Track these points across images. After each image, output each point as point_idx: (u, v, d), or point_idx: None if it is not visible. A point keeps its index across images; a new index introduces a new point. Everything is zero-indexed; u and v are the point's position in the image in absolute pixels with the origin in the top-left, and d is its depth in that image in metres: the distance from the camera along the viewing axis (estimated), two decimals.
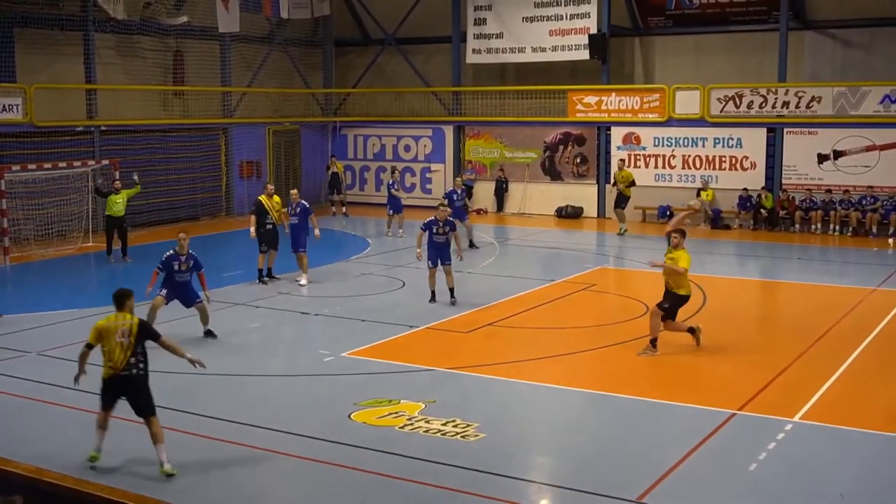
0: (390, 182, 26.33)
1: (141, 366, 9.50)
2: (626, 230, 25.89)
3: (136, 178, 22.72)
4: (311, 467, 9.47)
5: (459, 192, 23.45)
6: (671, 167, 28.41)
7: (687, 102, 27.98)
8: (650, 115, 28.58)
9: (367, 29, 34.78)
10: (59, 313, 16.26)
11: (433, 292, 17.06)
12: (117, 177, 23.07)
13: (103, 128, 26.28)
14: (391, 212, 25.38)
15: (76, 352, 13.63)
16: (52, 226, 23.52)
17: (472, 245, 22.91)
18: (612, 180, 27.63)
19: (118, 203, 21.32)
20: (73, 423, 10.73)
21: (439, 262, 16.98)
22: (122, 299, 9.69)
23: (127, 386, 9.49)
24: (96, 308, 16.70)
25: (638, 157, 28.76)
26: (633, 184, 26.46)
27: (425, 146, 32.61)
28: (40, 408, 11.34)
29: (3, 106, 23.31)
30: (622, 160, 27.95)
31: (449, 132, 32.14)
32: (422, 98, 33.17)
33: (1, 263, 21.00)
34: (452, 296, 16.91)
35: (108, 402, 9.60)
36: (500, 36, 31.02)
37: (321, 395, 11.93)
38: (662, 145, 28.51)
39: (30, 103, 24.08)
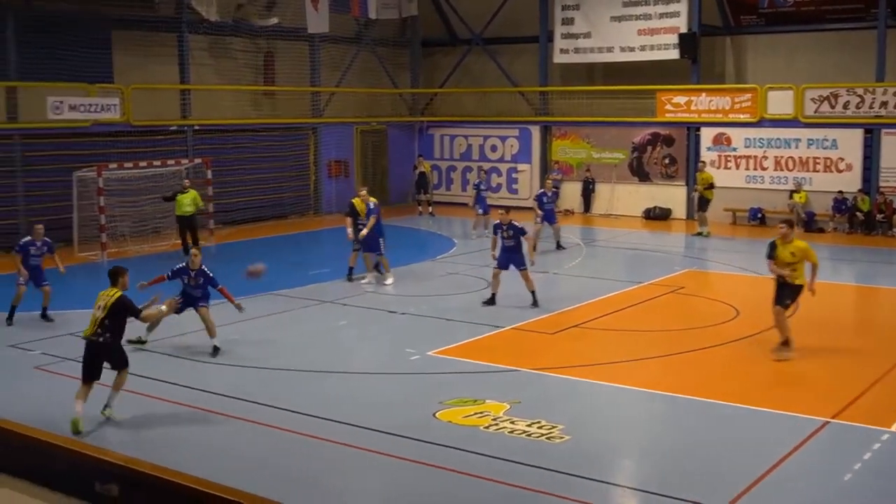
0: (477, 182, 26.36)
1: (107, 335, 10.46)
2: (708, 233, 25.40)
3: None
4: (396, 464, 9.51)
5: (549, 194, 23.23)
6: (763, 169, 27.83)
7: (780, 102, 27.36)
8: (741, 116, 28.03)
9: (454, 29, 34.85)
10: None
11: (493, 296, 16.74)
12: (185, 175, 23.48)
13: (196, 127, 26.88)
14: (480, 211, 25.31)
15: (166, 344, 14.03)
16: (146, 222, 24.10)
17: (558, 247, 22.78)
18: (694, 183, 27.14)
19: (187, 203, 21.71)
20: (165, 414, 10.98)
21: (511, 266, 16.70)
22: (114, 276, 10.70)
23: (97, 350, 10.56)
24: None
25: (728, 159, 28.24)
26: (712, 186, 25.85)
27: (512, 146, 32.54)
28: (134, 399, 11.59)
29: (102, 106, 23.95)
30: (702, 162, 27.42)
31: (536, 132, 32.01)
32: (508, 98, 33.11)
33: (99, 259, 21.59)
34: (534, 300, 16.58)
35: (85, 373, 10.53)
36: (587, 35, 30.77)
37: (407, 393, 11.98)
38: (754, 146, 27.94)
39: (127, 103, 24.73)
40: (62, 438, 7.61)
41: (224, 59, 28.69)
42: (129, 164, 23.09)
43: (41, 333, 14.75)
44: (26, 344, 14.09)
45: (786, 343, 13.36)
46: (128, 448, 9.56)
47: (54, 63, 23.49)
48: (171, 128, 26.32)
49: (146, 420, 10.90)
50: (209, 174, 24.13)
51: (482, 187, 25.74)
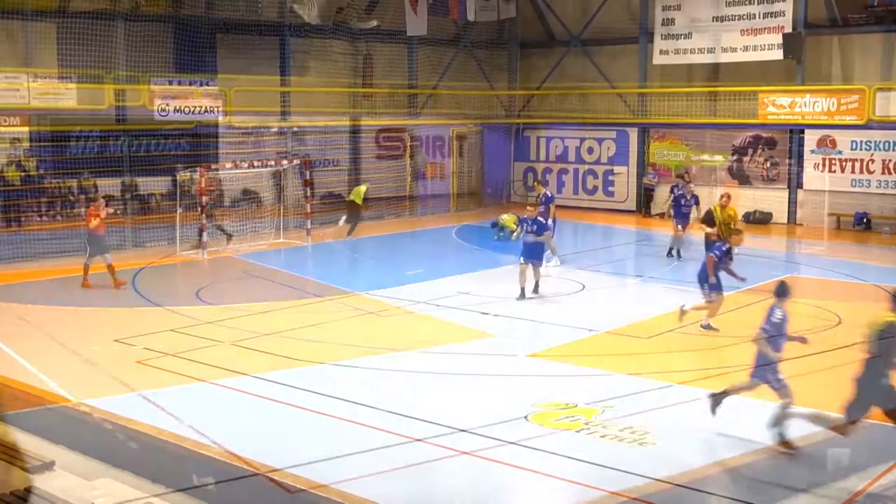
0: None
1: None
2: None
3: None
4: (487, 466, 9.50)
5: (689, 196, 22.08)
6: (869, 172, 26.97)
7: (889, 103, 26.49)
8: (847, 118, 27.23)
9: (552, 30, 34.69)
10: (248, 306, 16.99)
11: (522, 289, 17.38)
12: None
13: (295, 128, 27.34)
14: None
15: (266, 342, 14.25)
16: (245, 222, 24.58)
17: (678, 255, 22.03)
18: None
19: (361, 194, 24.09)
20: (255, 410, 11.20)
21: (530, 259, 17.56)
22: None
23: None
24: (277, 303, 17.37)
25: (833, 161, 27.48)
26: None
27: (609, 148, 32.25)
28: (231, 396, 11.83)
29: (205, 107, 24.53)
30: None
31: (633, 134, 31.66)
32: (606, 99, 32.80)
33: (199, 257, 22.07)
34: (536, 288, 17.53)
35: None
36: (688, 36, 30.30)
37: (499, 395, 11.97)
38: (860, 149, 27.11)
39: (229, 105, 25.29)
40: (163, 432, 7.87)
41: (324, 61, 29.12)
42: (230, 165, 23.59)
43: (144, 329, 15.18)
44: (130, 339, 14.52)
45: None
46: (226, 444, 9.78)
47: (161, 66, 24.17)
48: (272, 129, 26.83)
49: (242, 417, 11.13)
50: (308, 174, 24.50)
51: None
